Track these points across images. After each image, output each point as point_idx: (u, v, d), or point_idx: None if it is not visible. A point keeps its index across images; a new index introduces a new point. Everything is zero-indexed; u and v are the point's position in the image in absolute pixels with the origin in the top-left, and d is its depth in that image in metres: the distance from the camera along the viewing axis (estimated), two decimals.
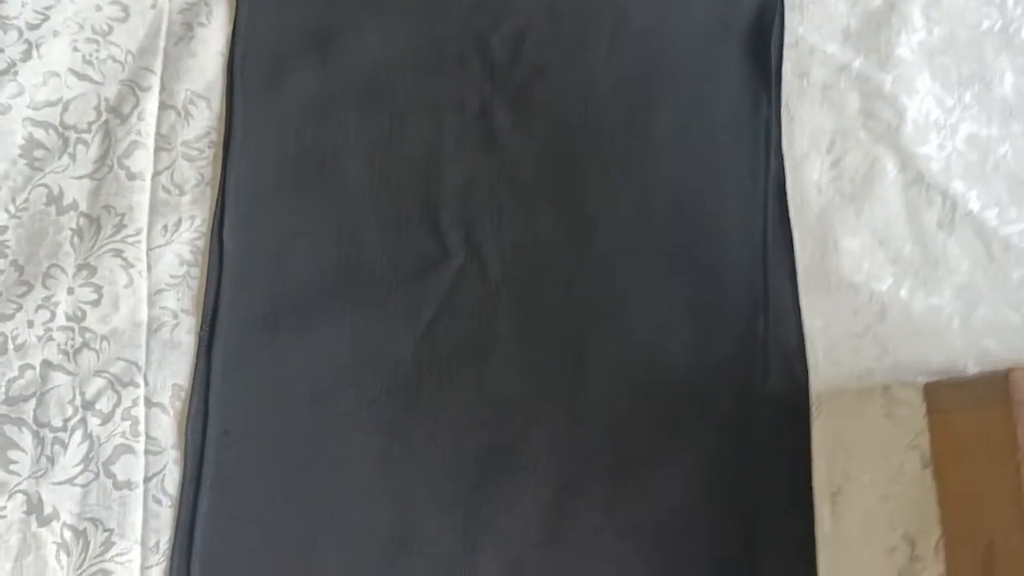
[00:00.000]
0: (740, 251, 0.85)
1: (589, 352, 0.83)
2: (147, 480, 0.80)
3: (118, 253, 0.84)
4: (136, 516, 0.78)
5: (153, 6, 0.92)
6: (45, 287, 0.83)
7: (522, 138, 0.88)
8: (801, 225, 0.87)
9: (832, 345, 0.84)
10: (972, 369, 0.83)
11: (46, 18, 0.91)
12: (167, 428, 0.81)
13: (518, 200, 0.87)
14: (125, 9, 0.92)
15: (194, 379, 0.82)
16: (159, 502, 0.79)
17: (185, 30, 0.92)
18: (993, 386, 0.76)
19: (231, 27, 0.92)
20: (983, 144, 0.89)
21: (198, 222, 0.86)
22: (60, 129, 0.88)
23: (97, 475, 0.79)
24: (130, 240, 0.85)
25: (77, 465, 0.79)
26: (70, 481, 0.79)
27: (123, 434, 0.80)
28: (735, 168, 0.88)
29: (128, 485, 0.79)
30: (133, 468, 0.80)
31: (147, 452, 0.80)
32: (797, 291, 0.84)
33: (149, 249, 0.85)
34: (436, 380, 0.83)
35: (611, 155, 0.88)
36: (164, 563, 0.78)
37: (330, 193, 0.87)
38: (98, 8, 0.92)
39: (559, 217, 0.86)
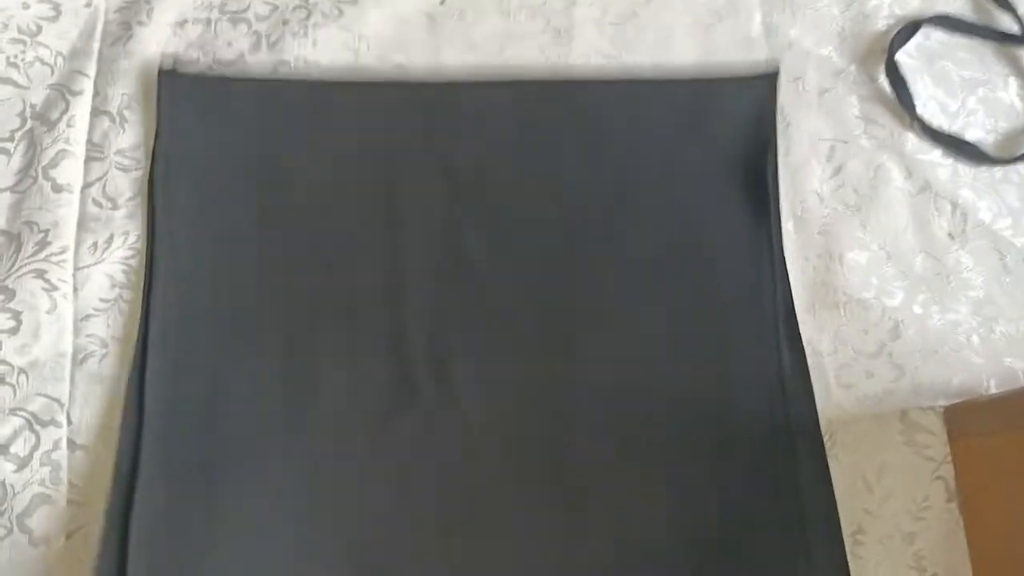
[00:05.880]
0: (756, 388, 0.75)
1: (592, 507, 0.72)
2: (69, 536, 0.68)
3: (40, 274, 0.74)
4: None
5: (87, 4, 0.83)
6: None
7: (495, 263, 0.77)
8: (803, 238, 0.79)
9: (843, 366, 0.76)
10: (995, 389, 0.76)
11: None
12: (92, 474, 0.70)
13: (496, 333, 0.75)
14: (56, 8, 0.83)
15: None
16: (81, 562, 0.68)
17: (123, 30, 0.82)
18: (1019, 407, 0.70)
19: (171, 27, 0.82)
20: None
21: (132, 239, 0.76)
22: None
23: (10, 530, 0.68)
24: (54, 259, 0.74)
25: None
26: None
27: (41, 482, 0.69)
28: (737, 292, 0.77)
29: (47, 542, 0.68)
30: (52, 522, 0.68)
31: (69, 502, 0.69)
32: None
33: (76, 269, 0.75)
34: (411, 553, 0.70)
35: (596, 282, 0.77)
36: None
37: (277, 322, 0.75)
38: (25, 6, 0.82)
39: (545, 355, 0.75)
